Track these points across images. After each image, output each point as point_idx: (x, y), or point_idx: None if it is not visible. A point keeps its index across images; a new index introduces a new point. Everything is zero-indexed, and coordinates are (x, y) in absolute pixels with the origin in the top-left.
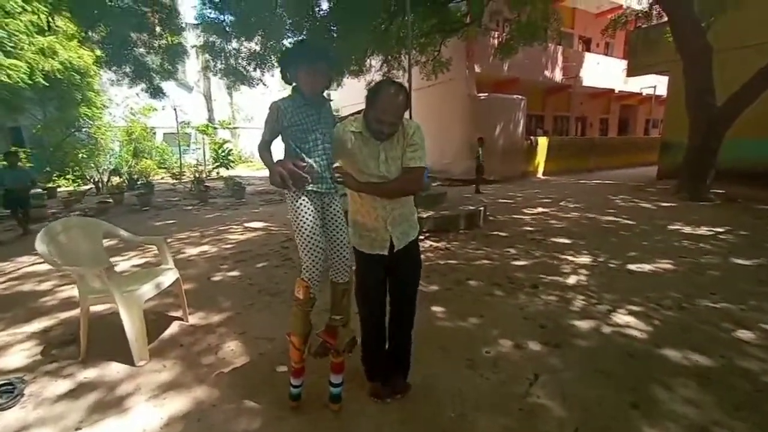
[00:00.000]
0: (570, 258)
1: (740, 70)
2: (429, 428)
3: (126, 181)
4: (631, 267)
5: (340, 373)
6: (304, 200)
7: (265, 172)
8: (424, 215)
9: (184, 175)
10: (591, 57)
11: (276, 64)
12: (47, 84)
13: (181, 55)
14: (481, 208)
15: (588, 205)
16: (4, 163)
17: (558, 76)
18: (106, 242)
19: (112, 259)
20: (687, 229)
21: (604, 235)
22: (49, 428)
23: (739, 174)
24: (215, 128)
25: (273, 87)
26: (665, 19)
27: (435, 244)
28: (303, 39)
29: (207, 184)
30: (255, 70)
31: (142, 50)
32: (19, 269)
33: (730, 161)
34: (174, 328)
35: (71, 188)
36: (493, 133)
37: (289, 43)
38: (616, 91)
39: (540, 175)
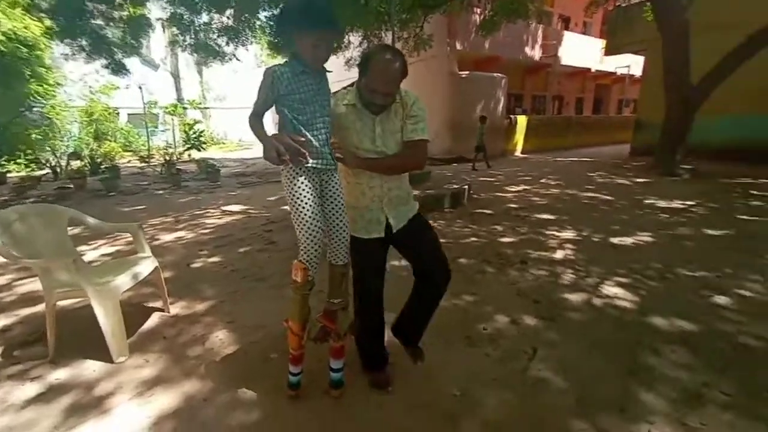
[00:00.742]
0: (555, 233)
1: (714, 49)
2: (434, 411)
3: (88, 165)
4: (614, 240)
5: (340, 358)
6: (302, 178)
7: (240, 154)
8: None
9: (152, 157)
10: (570, 36)
11: (257, 31)
12: None
13: (146, 29)
14: (465, 187)
15: (568, 181)
16: None
17: (537, 54)
18: (69, 231)
19: (78, 249)
20: (662, 203)
21: (586, 211)
22: None
23: (707, 150)
24: (185, 108)
25: (248, 63)
26: None
27: None
28: (308, 2)
29: (178, 167)
30: (228, 44)
31: (100, 21)
32: None
33: (699, 138)
34: (154, 319)
35: (24, 173)
36: (473, 111)
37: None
38: (592, 71)
39: (519, 153)
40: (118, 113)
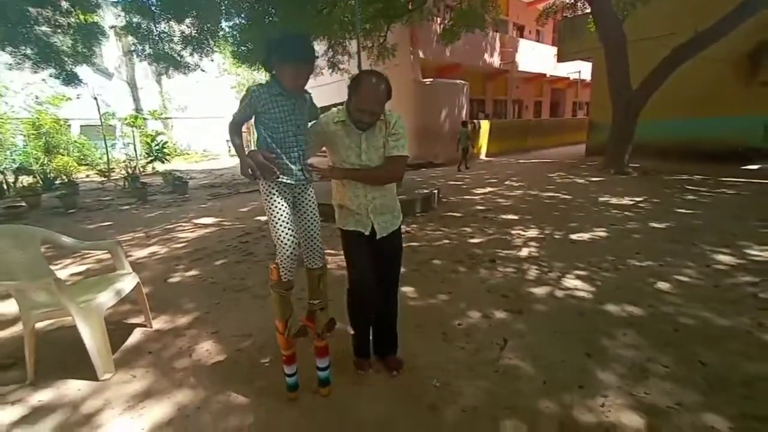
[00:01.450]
0: (520, 232)
1: (650, 58)
2: (419, 401)
3: (40, 180)
4: (573, 237)
5: (325, 357)
6: (275, 191)
7: (206, 165)
8: None
9: (113, 171)
10: (525, 43)
11: (224, 48)
12: None
13: (98, 37)
14: (435, 191)
15: (530, 183)
16: None
17: (496, 61)
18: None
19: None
20: (614, 200)
21: (547, 210)
22: None
23: (652, 150)
24: (144, 119)
25: (210, 72)
26: (589, 10)
27: None
28: (295, 34)
29: (143, 180)
30: (191, 55)
31: (46, 28)
32: None
33: (644, 139)
34: (137, 335)
35: None
36: (438, 117)
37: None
38: (548, 76)
39: (483, 156)
40: (69, 125)
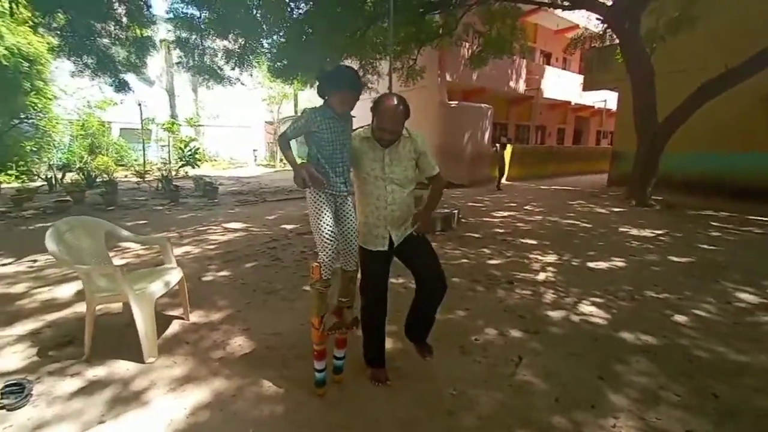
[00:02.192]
0: (538, 257)
1: (678, 91)
2: (435, 406)
3: (84, 178)
4: (591, 264)
5: (342, 348)
6: (321, 198)
7: (233, 172)
8: None
9: (149, 173)
10: (551, 70)
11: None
12: None
13: (150, 49)
14: (455, 211)
15: (550, 209)
16: None
17: (521, 87)
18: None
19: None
20: (634, 231)
21: (566, 237)
22: (69, 423)
23: (676, 183)
24: (179, 125)
25: (249, 85)
26: (617, 41)
27: None
28: (345, 67)
29: (175, 183)
30: (233, 69)
31: (106, 41)
32: None
33: (668, 172)
34: (175, 326)
35: (17, 185)
36: (461, 139)
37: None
38: (573, 104)
39: (504, 180)
40: (110, 127)
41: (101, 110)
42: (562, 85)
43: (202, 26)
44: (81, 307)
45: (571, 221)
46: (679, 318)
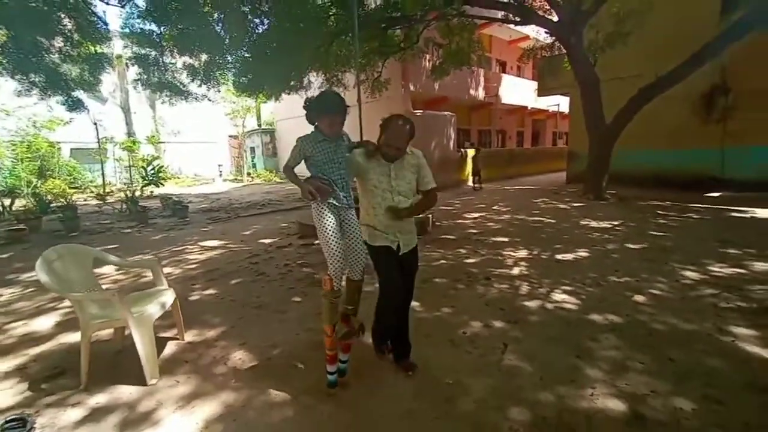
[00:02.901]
0: (511, 253)
1: (623, 95)
2: (435, 395)
3: (36, 204)
4: (558, 257)
5: (347, 353)
6: (325, 211)
7: (198, 189)
8: None
9: (109, 195)
10: (507, 78)
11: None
12: None
13: (105, 66)
14: (429, 215)
15: (516, 208)
16: None
17: (481, 94)
18: None
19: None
20: (594, 224)
21: (534, 233)
22: None
23: (628, 178)
24: (139, 143)
25: (214, 101)
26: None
27: None
28: (328, 92)
29: (142, 204)
30: (200, 86)
31: (56, 58)
32: None
33: (621, 168)
34: (172, 347)
35: None
36: (428, 146)
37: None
38: (529, 108)
39: (470, 183)
40: (60, 148)
41: (49, 130)
42: (518, 91)
43: (162, 42)
44: (64, 338)
45: (537, 218)
46: (638, 298)
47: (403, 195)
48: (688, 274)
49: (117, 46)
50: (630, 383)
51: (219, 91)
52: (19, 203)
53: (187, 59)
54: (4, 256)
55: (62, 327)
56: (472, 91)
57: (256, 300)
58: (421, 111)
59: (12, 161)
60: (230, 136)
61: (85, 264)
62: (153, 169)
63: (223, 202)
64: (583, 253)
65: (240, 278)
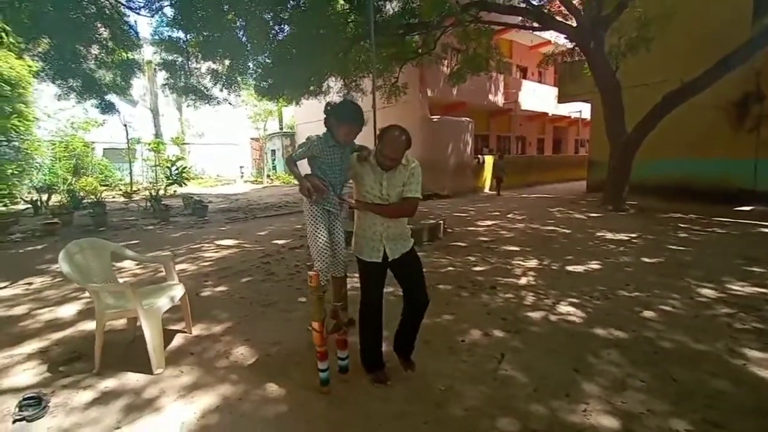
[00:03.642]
0: (520, 263)
1: (646, 102)
2: (427, 399)
3: (70, 200)
4: (569, 268)
5: (345, 349)
6: (317, 214)
7: (220, 189)
8: None
9: (136, 193)
10: (528, 84)
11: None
12: None
13: (135, 71)
14: (441, 222)
15: (531, 216)
16: None
17: (500, 100)
18: None
19: None
20: (609, 235)
21: (547, 243)
22: (88, 430)
23: (650, 188)
24: (165, 144)
25: (235, 104)
26: None
27: None
28: (350, 102)
29: (164, 202)
30: (221, 90)
31: (91, 64)
32: None
33: (643, 178)
34: (179, 339)
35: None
36: (444, 152)
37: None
38: (550, 115)
39: (487, 190)
40: (93, 148)
41: (85, 131)
42: (538, 97)
43: (188, 48)
44: (84, 326)
45: (551, 227)
46: (648, 313)
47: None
48: (705, 291)
49: (147, 52)
50: (626, 401)
51: (239, 96)
52: (54, 199)
53: (210, 64)
54: (38, 247)
55: (83, 315)
56: (491, 97)
57: (263, 299)
58: (438, 117)
59: (51, 160)
60: (252, 139)
61: (103, 257)
62: (177, 169)
63: (242, 202)
64: (594, 265)
65: (251, 277)
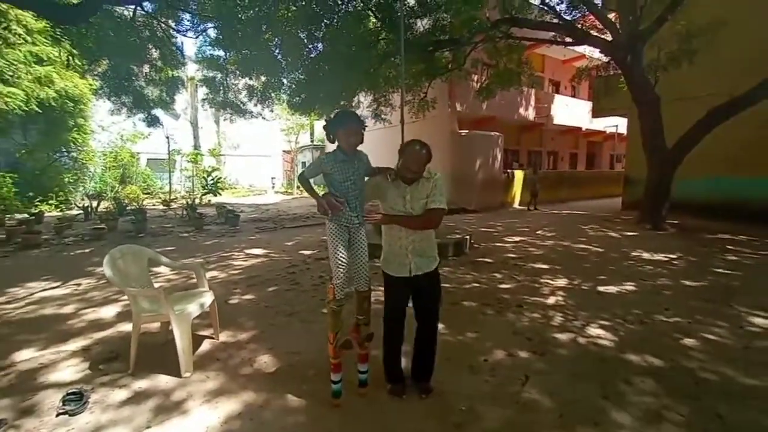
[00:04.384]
0: (548, 281)
1: (686, 117)
2: (445, 419)
3: (114, 206)
4: (601, 289)
5: (365, 363)
6: (336, 228)
7: (252, 199)
8: None
9: (174, 201)
10: (560, 98)
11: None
12: (40, 111)
13: (179, 88)
14: (467, 237)
15: (562, 233)
16: None
17: (531, 114)
18: None
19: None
20: (646, 255)
21: (578, 261)
22: (122, 428)
23: (694, 207)
24: (203, 156)
25: (269, 118)
26: None
27: None
28: (344, 110)
29: (199, 211)
30: (256, 105)
31: (141, 82)
32: (32, 294)
33: (686, 196)
34: (207, 345)
35: (57, 213)
36: (473, 166)
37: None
38: (583, 129)
39: (516, 205)
40: (138, 158)
41: (132, 142)
42: (571, 112)
43: (227, 66)
44: (123, 327)
45: (583, 245)
46: (688, 341)
47: None
48: (757, 321)
49: (190, 69)
50: None
51: (273, 110)
52: (103, 205)
53: (247, 80)
54: (86, 250)
55: (122, 317)
56: (522, 111)
57: (288, 308)
58: (467, 131)
59: (101, 169)
60: (284, 151)
61: (141, 263)
62: (212, 179)
63: (272, 213)
64: (629, 286)
65: (276, 286)
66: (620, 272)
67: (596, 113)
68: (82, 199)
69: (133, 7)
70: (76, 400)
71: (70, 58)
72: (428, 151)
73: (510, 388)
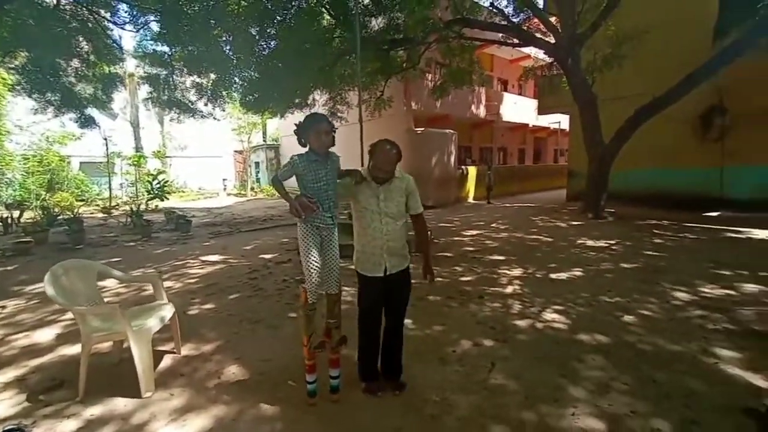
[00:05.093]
0: (506, 271)
1: (620, 114)
2: (421, 411)
3: (42, 216)
4: (553, 276)
5: (337, 368)
6: (308, 230)
7: (202, 203)
8: None
9: (115, 208)
10: (509, 96)
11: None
12: None
13: (117, 85)
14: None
15: (515, 225)
16: None
17: (482, 112)
18: None
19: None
20: (590, 243)
21: (531, 251)
22: None
23: (628, 197)
24: (146, 158)
25: (220, 118)
26: None
27: None
28: (312, 113)
29: (146, 217)
30: (206, 104)
31: (71, 78)
32: None
33: (621, 187)
34: (168, 360)
35: None
36: (429, 163)
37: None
38: (530, 126)
39: (471, 200)
40: (69, 162)
41: (61, 144)
42: (519, 109)
43: (173, 62)
44: (64, 350)
45: (535, 236)
46: (628, 318)
47: (391, 217)
48: (679, 295)
49: (129, 65)
50: (612, 403)
51: (224, 110)
52: (27, 215)
53: (195, 78)
54: (9, 268)
55: (63, 339)
56: (473, 109)
57: (252, 315)
58: (423, 129)
59: (23, 174)
60: (235, 151)
61: (89, 278)
62: (158, 183)
63: (225, 216)
64: (577, 272)
65: (238, 293)
66: (568, 259)
67: (541, 110)
68: (7, 210)
69: None
70: None
71: None
72: (398, 151)
73: (478, 375)
